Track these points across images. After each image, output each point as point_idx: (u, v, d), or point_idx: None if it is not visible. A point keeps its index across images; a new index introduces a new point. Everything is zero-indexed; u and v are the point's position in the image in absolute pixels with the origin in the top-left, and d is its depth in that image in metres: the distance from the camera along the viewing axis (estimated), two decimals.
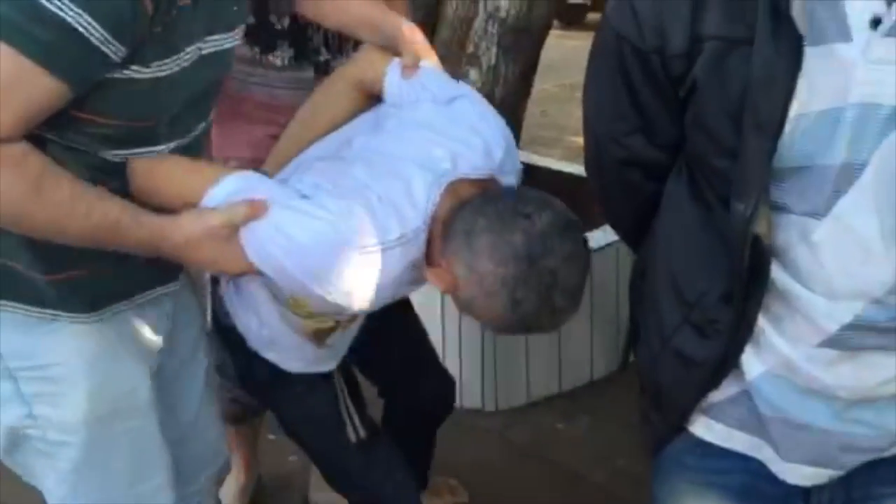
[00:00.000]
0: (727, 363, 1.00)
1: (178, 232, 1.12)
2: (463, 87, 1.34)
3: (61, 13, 0.96)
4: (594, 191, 1.12)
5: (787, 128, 0.87)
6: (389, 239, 1.14)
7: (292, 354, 1.46)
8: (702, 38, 0.89)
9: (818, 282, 0.93)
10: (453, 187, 1.18)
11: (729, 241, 0.94)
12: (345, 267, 1.12)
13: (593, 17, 8.78)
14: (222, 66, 1.21)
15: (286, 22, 1.53)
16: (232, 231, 1.12)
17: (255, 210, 1.12)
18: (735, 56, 0.88)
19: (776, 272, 0.95)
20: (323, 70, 1.59)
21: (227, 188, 1.14)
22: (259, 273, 1.17)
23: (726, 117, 0.90)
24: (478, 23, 2.54)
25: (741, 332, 0.98)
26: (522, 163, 1.35)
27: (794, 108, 0.87)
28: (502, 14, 2.50)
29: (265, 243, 1.12)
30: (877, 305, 0.92)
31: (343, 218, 1.12)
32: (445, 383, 1.80)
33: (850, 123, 0.87)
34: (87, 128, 1.08)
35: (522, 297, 1.10)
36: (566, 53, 5.09)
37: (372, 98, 1.37)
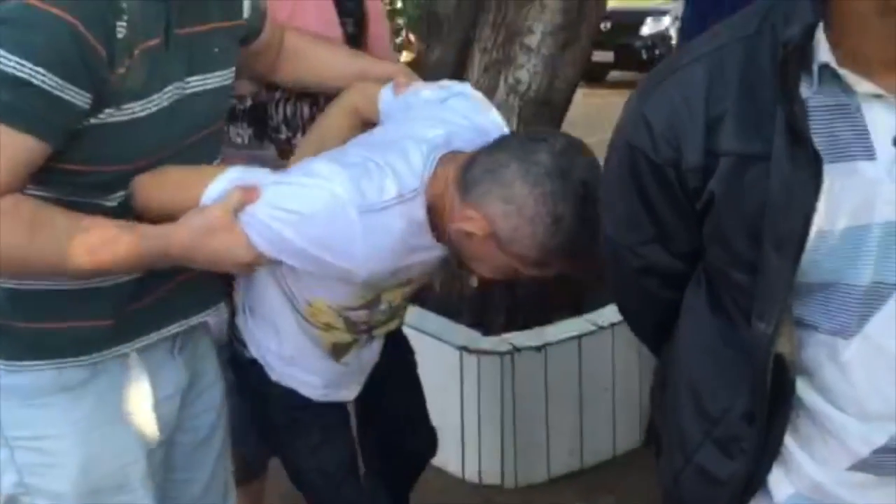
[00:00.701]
0: (754, 483, 0.95)
1: (181, 232, 1.14)
2: (457, 86, 1.38)
3: (12, 70, 0.98)
4: (614, 296, 1.09)
5: (810, 245, 0.85)
6: (386, 199, 1.16)
7: (313, 372, 1.45)
8: (717, 153, 0.87)
9: (849, 402, 0.89)
10: (451, 156, 1.22)
11: (751, 360, 0.90)
12: (347, 228, 1.14)
13: (616, 74, 8.85)
14: (212, 106, 1.22)
15: (248, 103, 1.53)
16: (231, 218, 1.14)
17: (250, 194, 1.14)
18: (752, 172, 0.85)
19: (804, 391, 0.91)
20: (284, 148, 1.58)
21: (222, 183, 1.17)
22: (268, 262, 1.19)
23: (745, 233, 0.87)
24: (498, 95, 2.55)
25: (767, 452, 0.94)
26: None
27: (816, 226, 0.84)
28: (523, 87, 2.51)
29: (266, 222, 1.14)
30: None
31: (337, 181, 1.15)
32: (430, 439, 1.78)
33: (877, 242, 0.84)
34: (79, 178, 1.10)
35: (562, 212, 1.12)
36: (589, 111, 5.10)
37: (367, 126, 1.41)
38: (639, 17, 9.01)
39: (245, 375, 1.49)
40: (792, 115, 0.82)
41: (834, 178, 0.83)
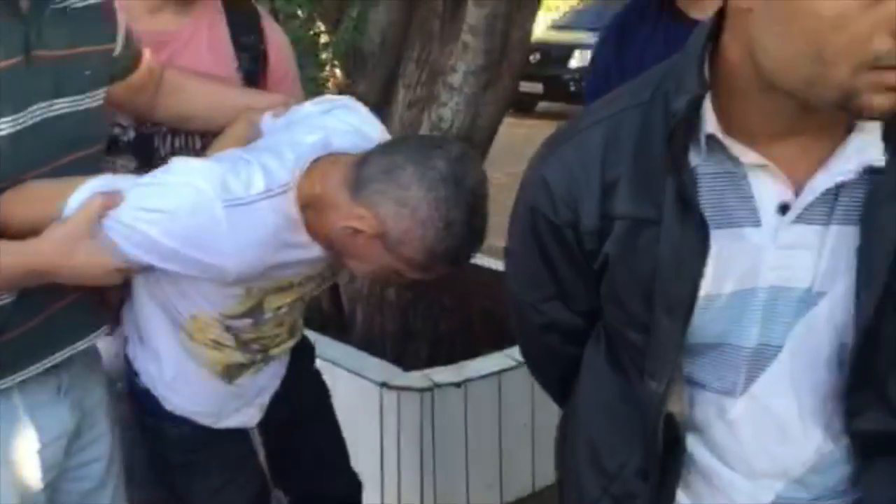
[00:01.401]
0: None
1: (42, 246, 1.11)
2: (340, 99, 1.39)
3: None
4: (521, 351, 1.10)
5: (698, 308, 0.87)
6: (254, 193, 1.15)
7: (196, 397, 1.41)
8: (612, 216, 0.89)
9: (737, 460, 0.92)
10: (330, 157, 1.22)
11: (643, 418, 0.92)
12: (212, 223, 1.13)
13: (545, 105, 9.01)
14: (82, 129, 1.19)
15: (132, 134, 1.50)
16: (93, 226, 1.12)
17: (110, 199, 1.13)
18: (645, 236, 0.88)
19: (695, 448, 0.94)
20: None
21: (84, 193, 1.15)
22: (139, 268, 1.17)
23: (639, 294, 0.90)
24: (422, 132, 2.56)
25: None
26: None
27: (704, 289, 0.87)
28: (446, 124, 2.53)
29: (131, 224, 1.13)
30: (797, 485, 0.91)
31: (200, 175, 1.14)
32: (353, 485, 1.74)
33: (762, 306, 0.88)
34: None
35: (454, 218, 1.14)
36: (516, 142, 5.16)
37: None
38: (567, 50, 9.21)
39: (140, 407, 1.44)
40: (681, 183, 0.85)
41: (721, 243, 0.86)
